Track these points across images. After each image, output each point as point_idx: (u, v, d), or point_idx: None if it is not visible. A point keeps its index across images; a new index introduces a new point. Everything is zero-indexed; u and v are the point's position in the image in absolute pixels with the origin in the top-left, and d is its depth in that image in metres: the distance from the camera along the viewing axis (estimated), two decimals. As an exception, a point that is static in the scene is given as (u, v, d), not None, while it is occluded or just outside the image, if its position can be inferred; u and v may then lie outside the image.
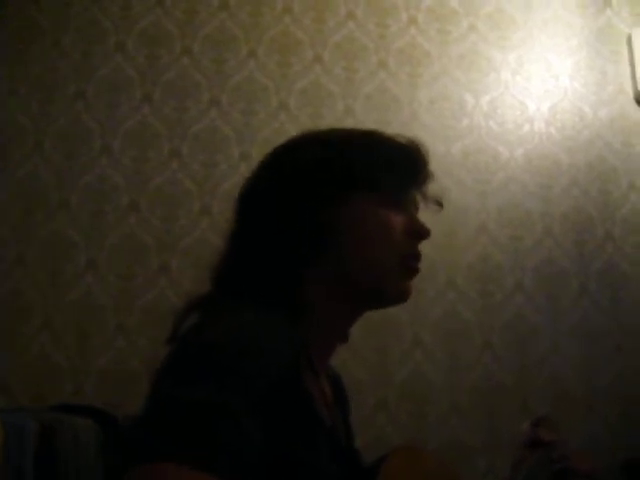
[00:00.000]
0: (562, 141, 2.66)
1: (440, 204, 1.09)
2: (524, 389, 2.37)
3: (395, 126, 2.49)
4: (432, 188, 1.09)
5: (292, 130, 2.40)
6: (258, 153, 2.34)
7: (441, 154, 2.49)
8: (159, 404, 0.68)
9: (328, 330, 0.97)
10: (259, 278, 0.93)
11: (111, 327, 2.25)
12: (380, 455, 0.91)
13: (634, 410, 2.44)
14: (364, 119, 2.50)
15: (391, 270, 0.97)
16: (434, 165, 1.09)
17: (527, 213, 2.55)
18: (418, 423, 2.26)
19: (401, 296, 1.00)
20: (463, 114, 2.61)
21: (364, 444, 1.16)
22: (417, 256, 1.01)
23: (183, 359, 0.74)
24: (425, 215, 1.08)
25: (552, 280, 2.51)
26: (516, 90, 2.69)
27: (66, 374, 2.19)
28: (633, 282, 2.57)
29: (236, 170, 2.36)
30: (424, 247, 1.02)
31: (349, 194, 0.97)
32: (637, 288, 2.57)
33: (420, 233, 1.01)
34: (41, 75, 2.46)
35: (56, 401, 2.02)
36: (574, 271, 2.53)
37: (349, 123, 2.46)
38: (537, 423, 1.14)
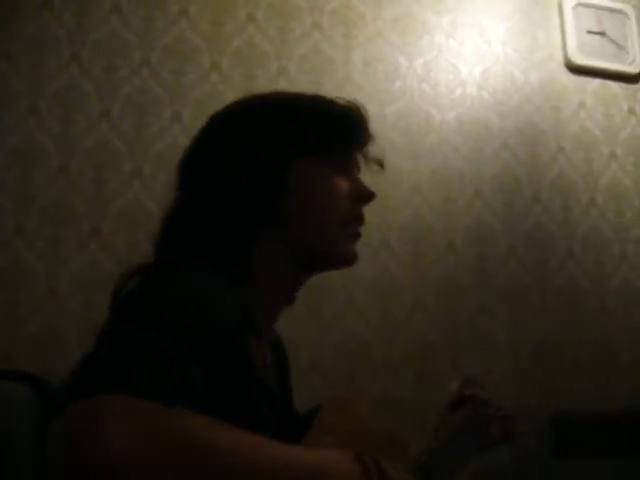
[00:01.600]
0: (493, 105, 2.71)
1: (381, 164, 1.10)
2: (454, 348, 2.43)
3: (329, 87, 2.48)
4: (373, 149, 1.10)
5: (225, 91, 2.38)
6: (190, 114, 2.34)
7: (375, 116, 2.46)
8: (98, 347, 0.68)
9: (274, 292, 0.99)
10: (206, 240, 0.93)
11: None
12: (311, 407, 0.93)
13: (559, 366, 2.53)
14: (298, 80, 2.49)
15: (337, 233, 0.99)
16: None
17: (459, 175, 2.59)
18: (350, 381, 2.30)
19: (348, 259, 1.03)
20: (397, 76, 2.62)
21: (300, 403, 1.18)
22: (361, 219, 1.03)
23: (127, 312, 0.74)
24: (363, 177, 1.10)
25: (482, 241, 2.56)
26: (449, 54, 2.72)
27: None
28: (560, 242, 2.65)
29: (168, 131, 2.33)
30: (357, 208, 1.04)
31: (295, 158, 0.98)
32: (563, 249, 2.65)
33: (365, 196, 1.03)
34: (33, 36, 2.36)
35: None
36: (503, 232, 2.59)
37: (283, 84, 2.44)
38: (464, 382, 1.19)
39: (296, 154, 0.98)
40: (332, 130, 1.01)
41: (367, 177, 1.10)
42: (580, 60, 2.84)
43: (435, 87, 2.66)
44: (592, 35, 2.90)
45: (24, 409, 1.83)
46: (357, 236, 1.03)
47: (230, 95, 2.36)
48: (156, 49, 2.41)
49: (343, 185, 1.00)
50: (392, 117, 2.56)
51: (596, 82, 2.89)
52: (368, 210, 2.49)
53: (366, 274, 2.40)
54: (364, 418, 0.87)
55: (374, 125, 1.12)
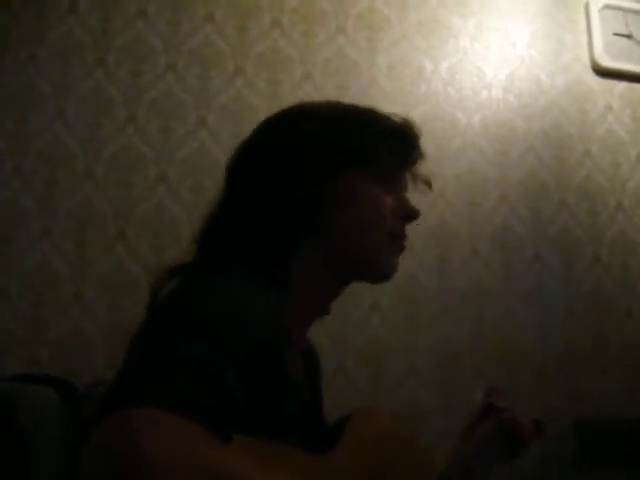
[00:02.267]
0: (519, 108, 2.69)
1: (429, 185, 1.11)
2: (479, 351, 2.41)
3: (354, 91, 2.48)
4: (422, 169, 1.10)
5: (249, 95, 2.38)
6: (215, 119, 2.35)
7: (399, 120, 2.48)
8: (139, 359, 0.67)
9: (312, 302, 0.99)
10: (247, 247, 0.93)
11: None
12: (341, 416, 0.92)
13: (585, 374, 2.50)
14: (323, 84, 2.49)
15: (380, 249, 0.99)
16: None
17: (484, 179, 2.57)
18: (375, 386, 2.29)
19: (387, 274, 1.02)
20: (422, 80, 2.61)
21: (325, 407, 1.18)
22: (404, 236, 1.03)
23: (166, 320, 0.74)
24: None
25: (507, 246, 2.54)
26: (474, 57, 2.70)
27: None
28: (586, 248, 2.62)
29: (193, 136, 2.33)
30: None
31: (344, 170, 0.98)
32: (590, 254, 2.62)
33: (409, 214, 1.03)
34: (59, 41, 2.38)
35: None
36: (529, 237, 2.57)
37: (307, 88, 2.44)
38: (489, 393, 1.20)
39: (344, 165, 0.98)
40: (383, 144, 1.01)
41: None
42: (607, 63, 2.82)
43: (460, 90, 2.64)
44: (619, 37, 2.88)
45: (50, 412, 1.84)
46: (400, 251, 1.04)
47: (255, 100, 2.37)
48: (181, 54, 2.42)
49: (389, 201, 1.00)
50: (417, 120, 2.50)
51: (623, 85, 2.86)
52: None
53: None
54: (391, 427, 0.87)
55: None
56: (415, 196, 2.44)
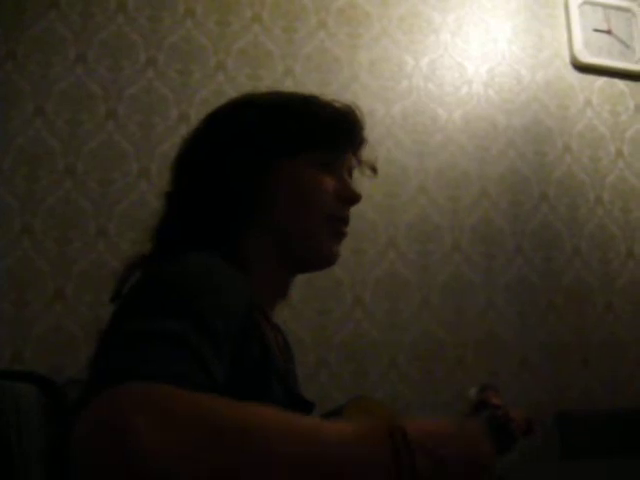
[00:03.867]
0: (499, 103, 2.70)
1: (374, 170, 1.11)
2: (461, 344, 2.43)
3: (335, 87, 2.48)
4: (368, 154, 1.10)
5: (230, 91, 2.38)
6: (196, 114, 2.34)
7: (381, 115, 2.50)
8: (120, 337, 0.66)
9: (268, 284, 0.99)
10: (200, 234, 0.94)
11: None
12: (337, 405, 0.93)
13: (566, 364, 2.53)
14: (304, 79, 2.49)
15: (319, 228, 0.99)
16: (374, 126, 1.10)
17: (465, 174, 2.59)
18: (358, 380, 2.30)
19: (327, 259, 1.02)
20: (403, 75, 2.62)
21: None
22: (345, 220, 1.03)
23: (137, 299, 0.74)
24: (364, 177, 1.10)
25: (488, 239, 2.56)
26: (455, 52, 2.71)
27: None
28: (566, 241, 2.65)
29: (174, 131, 2.33)
30: (365, 208, 1.03)
31: (285, 155, 0.99)
32: (570, 247, 2.65)
33: (350, 198, 1.03)
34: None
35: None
36: (510, 231, 2.59)
37: (289, 84, 2.44)
38: (482, 390, 1.19)
39: (285, 150, 0.99)
40: (323, 129, 1.01)
41: (369, 177, 1.10)
42: (586, 58, 2.84)
43: (441, 86, 2.65)
44: (598, 33, 2.90)
45: (32, 409, 1.84)
46: (341, 236, 1.03)
47: (236, 95, 2.36)
48: (162, 49, 2.42)
49: (329, 183, 1.00)
50: (398, 116, 2.56)
51: (602, 80, 2.89)
52: (375, 210, 2.50)
53: (373, 274, 2.40)
54: (384, 415, 0.87)
55: (380, 124, 1.13)
56: (397, 190, 2.46)
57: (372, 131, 1.11)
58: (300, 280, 1.06)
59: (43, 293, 2.18)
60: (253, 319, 0.81)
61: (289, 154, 0.99)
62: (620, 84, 2.91)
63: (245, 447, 0.55)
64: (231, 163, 0.96)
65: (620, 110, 2.88)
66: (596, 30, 2.90)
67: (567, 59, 2.86)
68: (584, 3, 2.89)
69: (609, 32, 2.92)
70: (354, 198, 1.03)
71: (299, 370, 1.20)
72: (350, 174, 1.07)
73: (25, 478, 1.23)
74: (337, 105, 1.05)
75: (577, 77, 2.86)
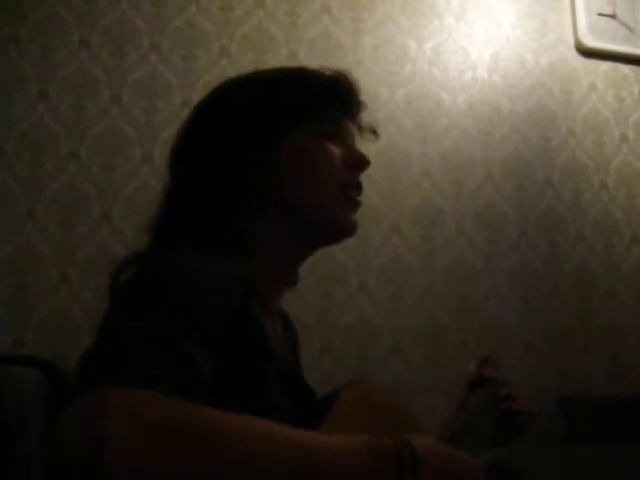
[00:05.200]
0: (504, 88, 2.69)
1: (375, 133, 1.10)
2: (465, 330, 2.43)
3: (339, 72, 2.47)
4: (365, 118, 1.09)
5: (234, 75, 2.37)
6: (200, 98, 2.33)
7: (384, 100, 2.49)
8: (103, 336, 0.67)
9: (275, 270, 0.98)
10: (203, 221, 0.93)
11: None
12: (333, 388, 0.93)
13: (570, 351, 2.53)
14: (307, 64, 2.46)
15: (333, 197, 0.98)
16: (378, 111, 1.09)
17: (469, 159, 2.58)
18: (362, 365, 2.31)
19: (346, 227, 1.01)
20: (407, 60, 2.61)
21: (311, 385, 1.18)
22: (358, 186, 1.02)
23: (127, 297, 0.74)
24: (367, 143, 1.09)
25: (493, 225, 2.56)
26: (459, 36, 2.70)
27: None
28: (570, 227, 2.64)
29: (178, 117, 2.32)
30: (369, 193, 1.03)
31: (285, 130, 0.97)
32: (574, 232, 2.64)
33: (360, 162, 1.02)
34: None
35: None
36: (514, 216, 2.59)
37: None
38: (482, 363, 1.17)
39: (286, 125, 0.98)
40: (313, 98, 1.00)
41: (373, 162, 1.09)
42: (591, 43, 2.82)
43: (445, 70, 2.64)
44: (603, 17, 2.88)
45: (35, 394, 1.84)
46: (355, 204, 1.01)
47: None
48: (166, 34, 2.41)
49: (335, 150, 0.99)
50: (402, 101, 2.55)
51: (607, 65, 2.87)
52: (378, 195, 2.50)
53: (377, 258, 2.40)
54: (381, 398, 0.87)
55: (384, 109, 1.12)
56: (400, 175, 2.45)
57: (375, 115, 1.10)
58: (304, 265, 1.05)
59: (46, 278, 2.18)
60: (249, 312, 0.80)
61: (287, 130, 0.97)
62: (624, 69, 2.90)
63: (211, 455, 0.55)
64: (235, 141, 0.95)
65: (624, 95, 2.87)
66: (600, 14, 2.88)
67: (571, 43, 2.84)
68: (588, -13, 2.87)
69: (614, 16, 2.90)
70: (363, 162, 1.02)
71: (303, 354, 1.21)
72: (352, 140, 1.06)
73: (27, 464, 1.23)
74: (328, 73, 1.04)
75: (581, 61, 2.84)
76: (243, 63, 2.43)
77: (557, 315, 2.55)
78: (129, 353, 0.62)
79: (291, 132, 0.97)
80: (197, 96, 2.29)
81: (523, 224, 2.59)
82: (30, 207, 2.22)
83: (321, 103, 1.00)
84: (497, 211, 2.57)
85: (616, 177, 2.76)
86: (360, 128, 1.08)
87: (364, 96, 1.08)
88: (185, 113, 2.35)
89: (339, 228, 1.00)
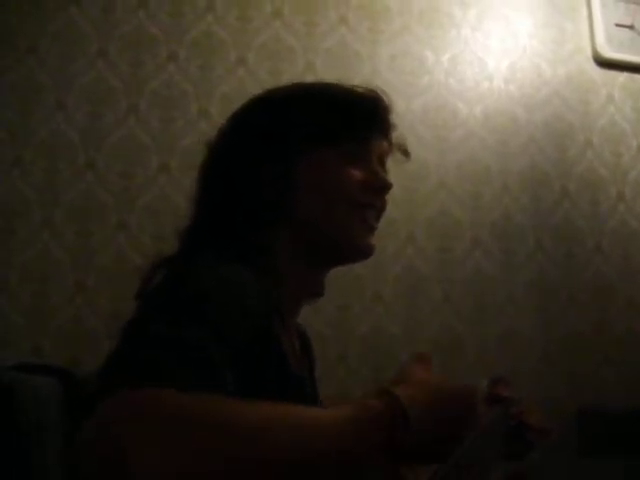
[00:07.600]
0: (520, 98, 2.68)
1: (406, 152, 1.09)
2: (481, 341, 2.42)
3: (356, 82, 2.42)
4: (397, 137, 1.08)
5: (251, 86, 2.38)
6: (216, 109, 2.35)
7: (401, 110, 2.48)
8: (130, 341, 0.67)
9: (294, 287, 0.98)
10: (225, 233, 0.93)
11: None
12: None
13: (587, 362, 2.51)
14: (325, 75, 2.47)
15: (346, 221, 0.97)
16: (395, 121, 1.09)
17: (485, 169, 2.57)
18: (377, 375, 2.30)
19: (361, 249, 1.00)
20: (423, 71, 2.61)
21: (326, 396, 1.18)
22: (374, 207, 1.01)
23: (155, 305, 0.74)
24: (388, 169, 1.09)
25: (509, 235, 2.54)
26: (476, 47, 2.70)
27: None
28: (587, 238, 2.63)
29: (195, 126, 2.33)
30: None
31: (306, 150, 0.97)
32: (591, 243, 2.63)
33: (380, 186, 1.00)
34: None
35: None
36: (530, 226, 2.57)
37: (309, 78, 2.43)
38: (495, 381, 1.17)
39: (305, 145, 0.97)
40: (340, 118, 0.99)
41: (389, 172, 1.08)
42: (608, 53, 2.81)
43: (462, 81, 2.64)
44: (621, 28, 2.87)
45: (52, 402, 1.84)
46: (371, 226, 1.01)
47: (256, 90, 2.33)
48: (183, 44, 2.42)
49: (355, 173, 0.98)
50: (419, 111, 2.55)
51: (624, 76, 2.86)
52: (394, 205, 2.49)
53: (393, 269, 2.40)
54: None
55: (400, 119, 1.11)
56: (417, 185, 2.45)
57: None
58: (320, 276, 1.05)
59: (63, 286, 2.19)
60: (271, 329, 0.81)
61: (314, 148, 0.97)
62: (642, 80, 2.88)
63: (234, 457, 0.56)
64: (257, 161, 0.96)
65: (642, 106, 2.85)
66: (618, 25, 2.87)
67: (589, 54, 2.83)
68: (606, -3, 2.86)
69: (631, 27, 2.89)
70: (382, 186, 1.01)
71: (319, 366, 1.20)
72: (382, 161, 1.05)
73: (44, 475, 1.23)
74: (358, 90, 1.03)
75: (599, 72, 2.83)
76: (260, 73, 2.44)
77: (574, 325, 2.53)
78: (160, 360, 0.62)
79: (313, 152, 0.97)
80: (214, 106, 2.34)
81: (539, 234, 2.58)
82: (47, 215, 2.23)
83: (346, 124, 0.99)
84: (513, 221, 2.56)
85: (633, 188, 2.74)
86: (390, 148, 1.06)
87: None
88: (202, 123, 2.38)
89: (353, 248, 1.00)
